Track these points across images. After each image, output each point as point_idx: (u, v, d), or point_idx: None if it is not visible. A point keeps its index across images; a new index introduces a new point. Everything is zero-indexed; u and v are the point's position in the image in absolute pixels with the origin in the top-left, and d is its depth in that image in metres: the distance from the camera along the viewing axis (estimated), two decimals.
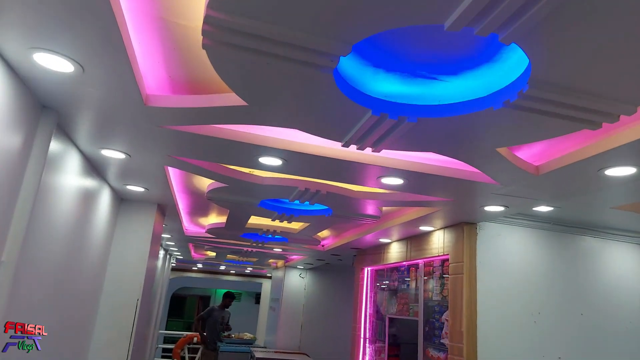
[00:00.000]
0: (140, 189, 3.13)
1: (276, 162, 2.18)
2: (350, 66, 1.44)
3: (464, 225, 3.16)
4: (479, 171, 2.17)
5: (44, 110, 1.77)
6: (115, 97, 1.62)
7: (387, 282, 4.70)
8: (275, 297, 8.51)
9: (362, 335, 4.91)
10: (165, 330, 12.97)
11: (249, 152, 2.08)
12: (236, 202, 3.14)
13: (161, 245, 6.57)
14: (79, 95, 1.64)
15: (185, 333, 11.30)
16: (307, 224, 4.20)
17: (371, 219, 3.41)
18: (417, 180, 2.28)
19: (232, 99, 1.57)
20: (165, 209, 3.92)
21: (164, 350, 11.61)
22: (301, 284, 7.96)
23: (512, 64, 1.36)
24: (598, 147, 1.71)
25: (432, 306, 3.70)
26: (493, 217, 3.06)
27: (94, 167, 2.65)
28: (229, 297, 9.05)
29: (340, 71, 1.41)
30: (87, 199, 2.68)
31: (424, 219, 3.28)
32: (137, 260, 3.43)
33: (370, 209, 3.16)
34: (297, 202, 3.41)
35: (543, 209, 2.93)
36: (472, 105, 1.48)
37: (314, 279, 7.98)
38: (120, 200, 3.51)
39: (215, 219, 4.66)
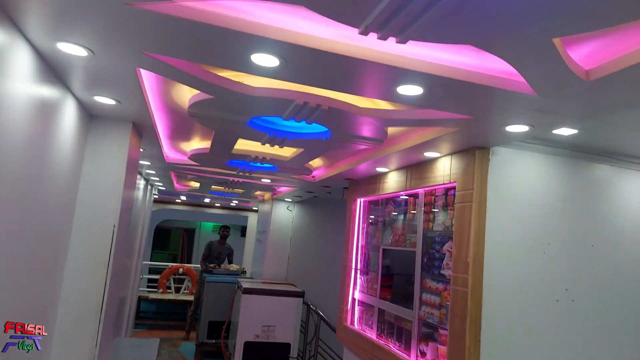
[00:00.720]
0: (111, 102, 2.72)
1: (272, 61, 1.79)
2: None
3: (475, 150, 2.87)
4: (514, 78, 1.83)
5: None
6: None
7: (381, 213, 4.49)
8: (262, 229, 8.38)
9: (353, 267, 4.77)
10: (151, 261, 12.98)
11: (240, 46, 1.68)
12: (222, 119, 2.77)
13: (141, 174, 6.21)
14: None
15: (170, 264, 11.28)
16: (300, 150, 3.86)
17: (374, 143, 3.09)
18: (439, 90, 1.93)
19: None
20: (143, 130, 3.53)
21: (150, 280, 11.64)
22: (289, 217, 7.80)
23: None
24: None
25: (432, 237, 3.50)
26: (510, 141, 2.77)
27: (51, 68, 2.22)
28: (222, 229, 9.03)
29: None
30: (47, 111, 2.28)
31: (430, 144, 2.97)
32: (112, 184, 3.09)
33: (374, 130, 2.83)
34: (291, 121, 3.05)
35: (565, 132, 2.64)
36: None
37: (301, 212, 7.82)
38: (90, 116, 3.10)
39: (198, 143, 4.28)
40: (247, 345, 5.94)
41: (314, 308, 6.25)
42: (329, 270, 6.79)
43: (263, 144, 3.41)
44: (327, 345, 5.93)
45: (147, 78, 2.54)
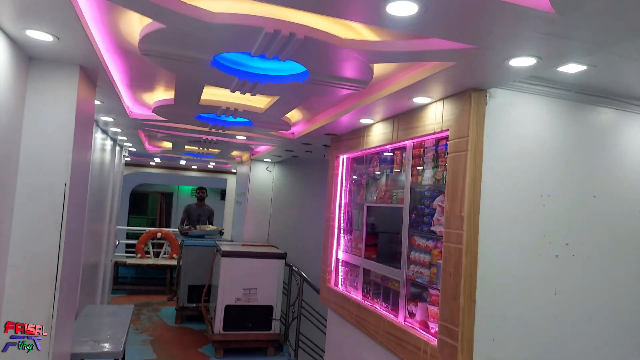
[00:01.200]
0: (47, 38, 2.29)
1: None
2: None
3: (471, 93, 2.55)
4: None
5: None
6: None
7: (365, 169, 4.19)
8: (241, 191, 8.07)
9: (336, 226, 4.51)
10: (128, 226, 12.63)
11: None
12: (180, 56, 2.37)
13: (107, 134, 5.76)
14: None
15: (148, 229, 10.96)
16: (275, 100, 3.49)
17: (358, 86, 2.74)
18: (437, 6, 1.58)
19: None
20: (96, 77, 3.10)
21: (128, 246, 11.35)
22: (268, 178, 7.49)
23: None
24: None
25: (421, 192, 3.23)
26: (511, 80, 2.46)
27: None
28: (198, 191, 8.80)
29: None
30: None
31: (420, 87, 2.64)
32: (60, 137, 2.70)
33: (358, 68, 2.47)
34: (262, 60, 2.68)
35: (572, 69, 2.34)
36: None
37: (282, 173, 7.51)
38: (29, 58, 2.66)
39: (162, 94, 3.87)
40: (228, 308, 5.74)
41: (296, 270, 6.04)
42: (312, 232, 6.56)
43: (232, 90, 3.03)
44: (310, 307, 5.77)
45: (87, 6, 2.12)
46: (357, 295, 3.99)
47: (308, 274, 5.81)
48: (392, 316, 3.34)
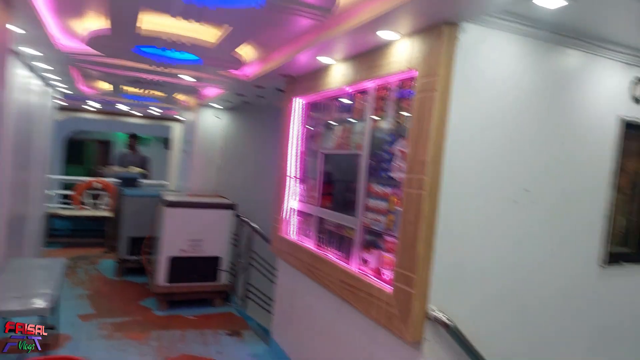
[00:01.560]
0: None
1: None
2: None
3: (442, 27, 2.36)
4: None
5: None
6: None
7: (323, 115, 3.97)
8: (188, 139, 7.64)
9: (290, 175, 4.32)
10: (65, 176, 11.80)
11: None
12: None
13: (33, 71, 5.12)
14: None
15: (85, 178, 10.29)
16: (227, 32, 3.15)
17: (320, 14, 2.47)
18: None
19: None
20: None
21: (66, 197, 10.63)
22: (218, 126, 7.10)
23: None
24: None
25: (381, 137, 3.08)
26: (485, 12, 2.29)
27: None
28: (129, 138, 8.35)
29: None
30: None
31: (387, 19, 2.42)
32: None
33: None
34: None
35: (553, 3, 2.19)
36: None
37: (232, 121, 7.14)
38: None
39: (94, 22, 3.39)
40: (173, 260, 5.49)
41: (246, 220, 5.85)
42: (264, 182, 6.33)
43: (173, 15, 2.66)
44: (260, 257, 5.64)
45: None
46: (310, 244, 3.87)
47: (260, 225, 5.64)
48: (345, 264, 3.26)
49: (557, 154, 2.77)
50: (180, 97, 7.03)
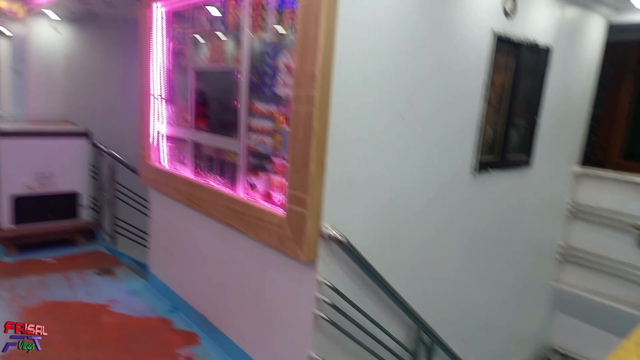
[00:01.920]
0: None
1: None
2: None
3: None
4: None
5: None
6: None
7: (191, 25, 3.49)
8: (20, 56, 6.29)
9: (155, 95, 3.82)
10: None
11: None
12: None
13: None
14: None
15: None
16: None
17: None
18: None
19: None
20: None
21: None
22: (58, 41, 5.94)
23: None
24: None
25: (262, 50, 2.81)
26: None
27: None
28: None
29: None
30: None
31: None
32: None
33: None
34: None
35: None
36: None
37: (78, 36, 6.01)
38: None
39: None
40: (18, 199, 4.68)
41: (105, 149, 5.17)
42: (124, 106, 5.59)
43: None
44: (128, 189, 5.11)
45: None
46: (187, 172, 3.56)
47: (123, 155, 5.04)
48: (231, 191, 3.06)
49: (436, 67, 2.82)
50: (2, 4, 5.63)
